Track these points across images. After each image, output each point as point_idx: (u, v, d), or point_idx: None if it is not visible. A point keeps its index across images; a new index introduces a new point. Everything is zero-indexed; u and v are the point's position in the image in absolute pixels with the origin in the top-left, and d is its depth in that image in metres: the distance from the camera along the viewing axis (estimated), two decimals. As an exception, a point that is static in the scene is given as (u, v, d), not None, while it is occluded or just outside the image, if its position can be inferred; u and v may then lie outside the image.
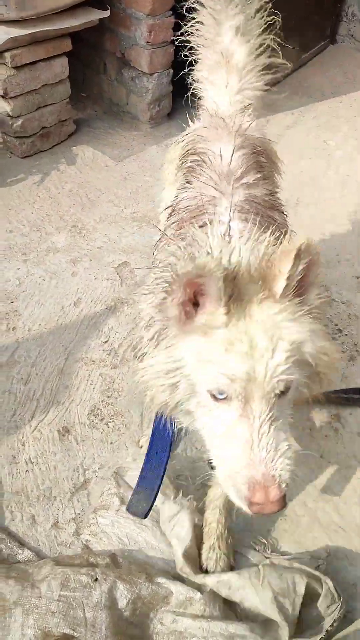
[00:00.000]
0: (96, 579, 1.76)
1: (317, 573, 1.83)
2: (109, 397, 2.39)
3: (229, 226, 1.48)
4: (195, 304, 1.19)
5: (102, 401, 2.37)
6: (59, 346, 2.58)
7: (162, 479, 1.72)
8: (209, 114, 2.08)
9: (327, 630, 1.74)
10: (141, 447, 2.19)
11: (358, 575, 1.92)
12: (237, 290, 1.17)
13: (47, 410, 2.34)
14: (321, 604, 1.77)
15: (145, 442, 2.15)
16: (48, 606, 1.69)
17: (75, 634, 1.66)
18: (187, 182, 1.83)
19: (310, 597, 1.81)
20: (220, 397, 1.18)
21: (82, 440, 2.24)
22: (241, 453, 1.15)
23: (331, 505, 2.09)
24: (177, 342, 1.23)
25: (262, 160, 1.91)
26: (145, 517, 1.76)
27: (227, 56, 2.12)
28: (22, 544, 1.92)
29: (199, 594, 1.77)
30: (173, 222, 1.75)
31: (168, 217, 1.86)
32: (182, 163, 1.98)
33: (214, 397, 1.19)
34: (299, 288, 1.21)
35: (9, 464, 2.16)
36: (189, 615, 1.73)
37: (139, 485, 1.75)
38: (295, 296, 1.20)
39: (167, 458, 1.70)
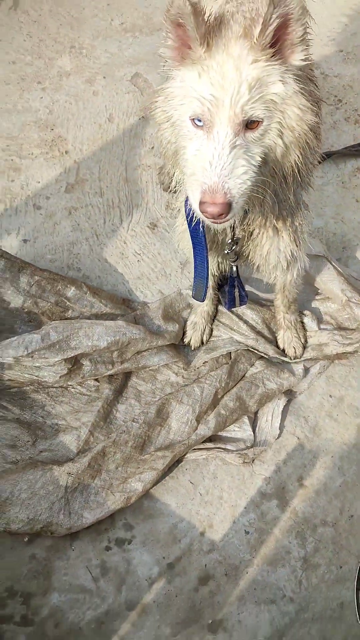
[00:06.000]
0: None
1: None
2: (176, 192, 2.77)
3: None
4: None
5: (172, 197, 2.76)
6: (114, 159, 2.86)
7: (207, 268, 1.82)
8: None
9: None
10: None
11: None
12: (218, 29, 1.34)
13: (130, 213, 2.71)
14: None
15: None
16: None
17: None
18: None
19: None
20: (199, 123, 1.37)
21: (171, 230, 2.66)
22: (202, 168, 1.36)
23: None
24: (172, 80, 1.43)
25: None
26: (202, 300, 1.98)
27: None
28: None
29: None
30: None
31: None
32: None
33: (194, 124, 1.38)
34: (281, 45, 1.34)
35: (122, 259, 2.59)
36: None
37: (195, 277, 1.90)
38: (276, 52, 1.33)
39: (206, 251, 1.78)
